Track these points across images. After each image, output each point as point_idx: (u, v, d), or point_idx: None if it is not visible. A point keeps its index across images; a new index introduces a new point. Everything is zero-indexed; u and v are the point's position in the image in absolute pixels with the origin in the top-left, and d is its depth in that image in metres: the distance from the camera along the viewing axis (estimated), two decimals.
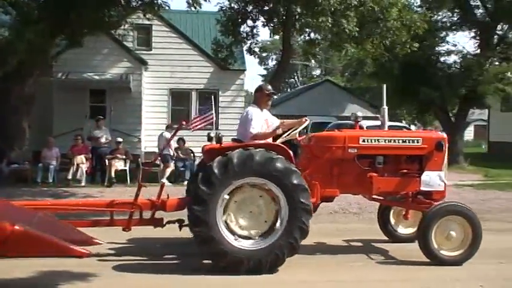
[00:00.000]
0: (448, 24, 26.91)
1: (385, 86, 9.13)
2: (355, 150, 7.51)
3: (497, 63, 25.04)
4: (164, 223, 7.41)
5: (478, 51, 26.10)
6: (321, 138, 7.95)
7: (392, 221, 8.86)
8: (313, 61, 62.71)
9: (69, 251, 5.31)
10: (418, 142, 7.72)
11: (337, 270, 7.25)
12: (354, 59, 30.22)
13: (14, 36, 13.08)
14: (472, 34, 27.13)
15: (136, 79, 22.64)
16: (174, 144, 17.86)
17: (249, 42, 20.05)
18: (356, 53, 22.14)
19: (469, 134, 42.97)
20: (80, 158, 16.75)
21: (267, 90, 7.68)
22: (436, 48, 26.58)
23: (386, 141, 7.62)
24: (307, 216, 6.74)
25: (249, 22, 19.25)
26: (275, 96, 32.76)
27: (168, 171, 17.19)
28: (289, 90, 62.12)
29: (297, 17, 17.19)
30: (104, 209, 7.41)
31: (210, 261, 6.95)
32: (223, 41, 19.92)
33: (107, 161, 16.97)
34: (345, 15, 16.41)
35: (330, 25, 16.36)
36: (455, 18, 26.81)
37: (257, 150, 6.73)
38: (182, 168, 17.39)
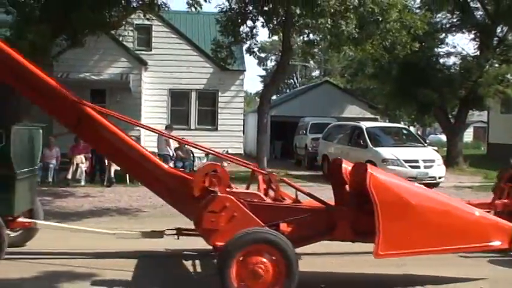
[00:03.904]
0: (448, 26, 26.91)
1: None
2: None
3: (497, 65, 25.03)
4: None
5: (478, 53, 26.09)
6: None
7: None
8: (312, 62, 62.76)
9: None
10: None
11: None
12: (354, 60, 30.21)
13: (16, 36, 13.08)
14: (472, 36, 27.12)
15: (136, 79, 22.69)
16: (173, 144, 17.89)
17: (248, 42, 20.11)
18: (356, 54, 22.15)
19: (468, 135, 42.97)
20: (80, 158, 16.78)
21: None
22: (436, 50, 26.57)
23: None
24: None
25: (249, 22, 19.31)
26: (274, 97, 32.82)
27: None
28: (288, 91, 62.13)
29: (296, 17, 17.21)
30: None
31: None
32: (222, 41, 19.95)
33: (106, 160, 16.98)
34: (345, 16, 16.43)
35: (329, 26, 16.40)
36: (455, 20, 26.80)
37: None
38: (181, 169, 17.38)
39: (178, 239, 7.28)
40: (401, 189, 5.81)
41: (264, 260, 5.35)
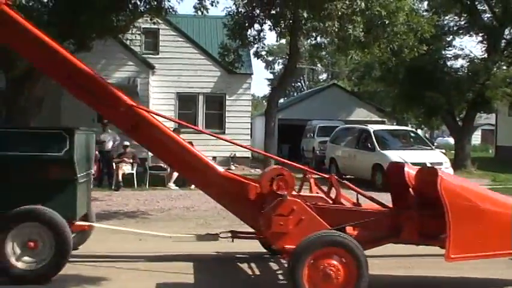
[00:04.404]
0: (455, 29, 26.86)
1: None
2: None
3: (504, 67, 24.93)
4: None
5: (485, 55, 26.01)
6: None
7: None
8: (319, 65, 62.80)
9: None
10: None
11: None
12: (362, 63, 30.18)
13: None
14: (479, 38, 27.06)
15: (143, 83, 22.73)
16: None
17: (255, 46, 20.09)
18: (363, 57, 22.12)
19: (476, 138, 42.81)
20: None
21: None
22: (443, 53, 26.51)
23: None
24: None
25: (256, 26, 19.25)
26: (281, 100, 32.75)
27: (175, 175, 17.22)
28: (295, 94, 62.17)
29: (304, 21, 17.21)
30: None
31: None
32: (230, 45, 19.96)
33: (114, 164, 17.03)
34: (352, 19, 16.42)
35: (337, 29, 16.38)
36: (463, 23, 26.74)
37: None
38: None
39: (233, 241, 7.36)
40: (470, 193, 5.96)
41: (335, 262, 5.44)
